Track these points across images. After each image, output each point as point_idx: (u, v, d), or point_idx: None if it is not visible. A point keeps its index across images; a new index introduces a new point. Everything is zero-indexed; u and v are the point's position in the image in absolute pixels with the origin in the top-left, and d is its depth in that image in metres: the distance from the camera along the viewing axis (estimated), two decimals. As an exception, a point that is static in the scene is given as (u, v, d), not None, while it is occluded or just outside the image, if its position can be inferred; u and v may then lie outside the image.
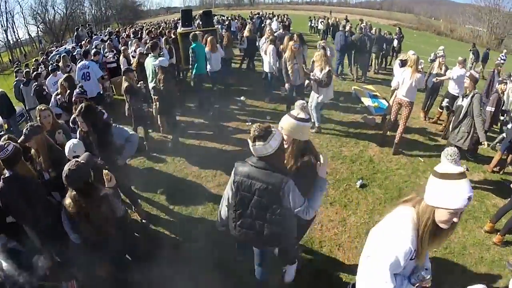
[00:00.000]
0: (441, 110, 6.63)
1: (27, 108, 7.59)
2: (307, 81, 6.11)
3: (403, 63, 5.87)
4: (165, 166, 5.32)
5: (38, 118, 3.60)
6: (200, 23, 9.81)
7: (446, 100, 5.45)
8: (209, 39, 7.10)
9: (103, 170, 2.60)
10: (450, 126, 4.68)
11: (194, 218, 4.08)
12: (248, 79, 9.63)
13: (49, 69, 7.09)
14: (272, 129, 2.08)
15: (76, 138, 3.37)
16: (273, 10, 32.21)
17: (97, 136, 3.30)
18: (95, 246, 2.43)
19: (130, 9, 44.49)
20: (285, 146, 2.33)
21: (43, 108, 3.63)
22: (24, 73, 7.73)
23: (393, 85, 5.87)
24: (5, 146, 2.55)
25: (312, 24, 25.12)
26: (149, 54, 6.20)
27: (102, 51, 9.31)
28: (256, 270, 2.67)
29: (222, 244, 3.39)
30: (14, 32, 34.31)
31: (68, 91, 4.98)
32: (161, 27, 15.27)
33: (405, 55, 6.40)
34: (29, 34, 36.20)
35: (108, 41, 10.28)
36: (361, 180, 4.68)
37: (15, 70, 9.48)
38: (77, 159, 2.48)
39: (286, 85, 6.21)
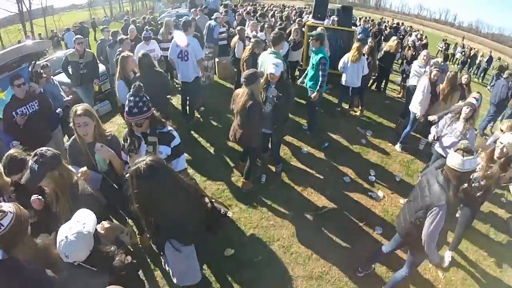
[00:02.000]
0: None
1: (110, 73, 6.74)
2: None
3: None
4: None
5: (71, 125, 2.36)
6: (336, 19, 7.74)
7: None
8: (356, 46, 5.34)
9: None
10: None
11: None
12: (376, 105, 7.06)
13: (143, 34, 5.90)
14: None
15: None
16: (401, 21, 27.92)
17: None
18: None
19: (252, -13, 43.88)
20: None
21: (79, 112, 2.27)
22: (110, 33, 6.82)
23: None
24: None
25: (442, 48, 20.54)
26: (269, 48, 4.45)
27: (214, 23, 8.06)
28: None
29: None
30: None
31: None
32: (287, 12, 13.32)
33: None
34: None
35: (224, 14, 8.91)
36: None
37: (102, 28, 8.77)
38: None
39: (430, 137, 3.90)
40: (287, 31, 7.04)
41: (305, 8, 20.36)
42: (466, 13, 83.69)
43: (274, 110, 3.65)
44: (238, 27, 6.93)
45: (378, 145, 5.44)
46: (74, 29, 13.65)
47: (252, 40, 5.15)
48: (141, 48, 5.59)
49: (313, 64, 4.88)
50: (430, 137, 3.85)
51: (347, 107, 6.40)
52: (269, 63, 3.61)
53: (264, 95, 3.67)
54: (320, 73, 4.70)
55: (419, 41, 12.93)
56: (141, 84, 2.24)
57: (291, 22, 8.52)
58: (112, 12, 35.14)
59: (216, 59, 7.96)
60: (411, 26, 22.25)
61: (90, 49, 6.37)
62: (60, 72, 7.69)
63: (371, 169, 4.75)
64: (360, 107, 6.36)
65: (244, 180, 4.12)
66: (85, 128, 2.38)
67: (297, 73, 7.76)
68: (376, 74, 7.46)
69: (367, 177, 4.59)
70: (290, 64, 6.82)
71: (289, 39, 6.61)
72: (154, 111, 2.34)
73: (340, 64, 5.68)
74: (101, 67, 6.86)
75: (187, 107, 5.67)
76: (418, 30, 20.84)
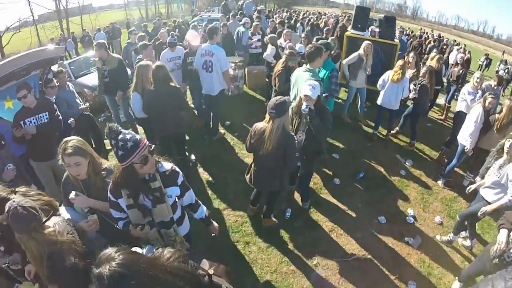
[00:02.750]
0: None
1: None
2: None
3: None
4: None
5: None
6: (377, 30, 7.03)
7: None
8: (400, 64, 4.66)
9: None
10: None
11: None
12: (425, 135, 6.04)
13: (168, 40, 5.44)
14: None
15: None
16: (439, 32, 26.35)
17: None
18: None
19: (290, -8, 43.78)
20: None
21: (69, 151, 1.88)
22: (137, 37, 6.43)
23: None
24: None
25: (483, 63, 18.89)
26: (304, 65, 3.85)
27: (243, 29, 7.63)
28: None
29: None
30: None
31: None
32: (323, 19, 12.49)
33: None
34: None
35: (256, 21, 8.47)
36: None
37: (129, 30, 8.52)
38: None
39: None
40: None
41: (341, 15, 19.52)
42: (505, 25, 78.70)
43: (307, 138, 3.10)
44: (270, 35, 6.46)
45: (418, 178, 4.73)
46: (106, 30, 13.79)
47: (286, 52, 4.64)
48: (166, 55, 5.25)
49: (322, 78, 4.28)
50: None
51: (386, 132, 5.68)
52: (304, 83, 3.06)
53: (296, 121, 3.12)
54: (332, 87, 4.16)
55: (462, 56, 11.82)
56: (114, 126, 1.73)
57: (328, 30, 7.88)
58: (148, 13, 35.88)
59: (246, 69, 7.53)
60: (454, 40, 20.69)
61: (122, 50, 6.07)
62: (86, 74, 7.63)
63: (409, 208, 4.09)
64: (403, 134, 5.65)
65: (264, 219, 3.61)
66: (76, 168, 1.96)
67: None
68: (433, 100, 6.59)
69: (404, 217, 3.94)
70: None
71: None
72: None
73: (380, 82, 5.03)
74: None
75: (211, 122, 5.23)
76: (459, 44, 19.38)
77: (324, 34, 7.42)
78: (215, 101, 4.86)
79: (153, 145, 1.81)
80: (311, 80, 3.12)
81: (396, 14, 47.52)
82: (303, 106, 2.89)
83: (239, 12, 10.34)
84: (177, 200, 2.06)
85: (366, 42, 5.49)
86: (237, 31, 7.79)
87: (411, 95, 5.00)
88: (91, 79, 7.10)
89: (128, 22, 21.20)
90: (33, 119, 3.26)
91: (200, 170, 4.60)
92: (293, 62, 4.47)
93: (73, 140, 1.98)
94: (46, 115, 3.32)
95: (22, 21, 22.02)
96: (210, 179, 4.40)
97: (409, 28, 19.52)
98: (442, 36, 18.78)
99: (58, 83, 4.21)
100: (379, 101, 5.11)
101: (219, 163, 4.70)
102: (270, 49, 5.73)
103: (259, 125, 2.89)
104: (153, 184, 1.86)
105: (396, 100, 4.94)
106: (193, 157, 4.82)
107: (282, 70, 4.44)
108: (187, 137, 5.10)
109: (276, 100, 2.65)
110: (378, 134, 5.56)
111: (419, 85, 4.87)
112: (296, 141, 2.96)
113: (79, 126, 4.41)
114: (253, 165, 3.16)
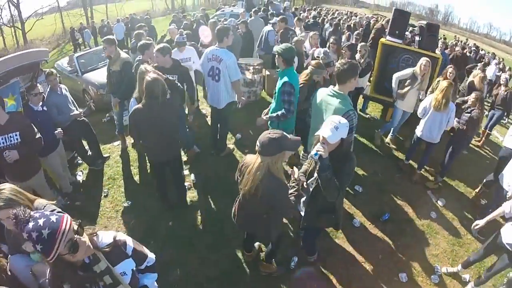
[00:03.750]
0: None
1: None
2: None
3: None
4: None
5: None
6: (419, 39, 6.14)
7: None
8: (444, 86, 3.86)
9: None
10: None
11: None
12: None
13: (176, 39, 4.81)
14: None
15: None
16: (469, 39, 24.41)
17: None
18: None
19: (319, -10, 42.36)
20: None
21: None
22: (134, 34, 5.66)
23: None
24: None
25: None
26: (331, 86, 2.97)
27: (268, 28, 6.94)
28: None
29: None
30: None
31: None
32: (354, 22, 11.24)
33: None
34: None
35: (280, 18, 7.67)
36: None
37: (138, 25, 8.06)
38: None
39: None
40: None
41: (372, 17, 18.17)
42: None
43: (316, 190, 2.36)
44: (295, 39, 5.74)
45: (450, 222, 3.96)
46: (125, 21, 13.38)
47: (313, 62, 3.89)
48: (174, 56, 4.67)
49: (275, 92, 3.49)
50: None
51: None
52: (328, 117, 2.29)
53: (311, 165, 2.44)
54: (284, 105, 3.25)
55: (500, 72, 10.37)
56: (20, 212, 1.21)
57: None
58: (174, 4, 35.35)
59: (267, 72, 6.78)
60: (493, 53, 18.92)
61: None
62: (94, 69, 7.16)
63: (437, 263, 3.37)
64: (436, 173, 4.73)
65: (264, 263, 2.99)
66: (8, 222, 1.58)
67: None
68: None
69: (430, 275, 3.23)
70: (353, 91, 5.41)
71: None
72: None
73: (420, 110, 4.15)
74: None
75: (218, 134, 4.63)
76: (497, 56, 17.63)
77: (354, 39, 6.64)
78: (222, 115, 4.25)
79: (80, 221, 1.33)
80: (338, 116, 2.28)
81: (427, 18, 45.13)
82: (313, 151, 2.14)
83: (262, 9, 9.57)
84: (135, 272, 1.58)
85: (425, 59, 4.48)
86: (264, 30, 7.10)
87: (454, 124, 4.17)
88: (99, 75, 6.62)
89: (148, 14, 20.50)
90: (1, 139, 2.76)
91: (200, 194, 4.02)
92: (319, 76, 3.77)
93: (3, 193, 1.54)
94: (16, 135, 2.82)
95: (49, 8, 22.20)
96: (208, 207, 3.83)
97: (444, 35, 18.00)
98: (478, 47, 17.13)
99: (49, 86, 3.82)
100: (418, 132, 4.25)
101: (222, 186, 4.08)
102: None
103: (248, 158, 2.22)
104: (98, 267, 1.37)
105: (438, 133, 4.08)
106: (192, 177, 4.25)
107: (304, 84, 3.72)
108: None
109: (269, 134, 1.98)
110: (410, 163, 4.77)
111: (468, 116, 4.02)
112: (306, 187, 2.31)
113: (72, 132, 4.05)
114: (236, 202, 2.51)
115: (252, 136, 5.15)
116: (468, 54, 11.33)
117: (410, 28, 9.61)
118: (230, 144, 4.95)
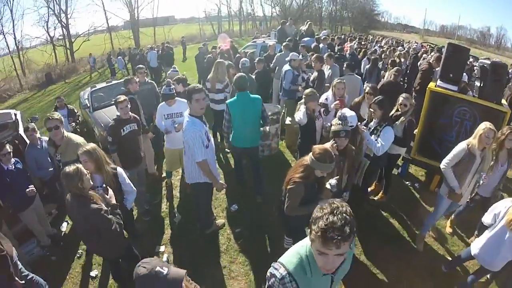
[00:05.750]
0: None
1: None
2: None
3: None
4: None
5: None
6: (479, 84, 4.59)
7: None
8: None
9: None
10: None
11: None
12: None
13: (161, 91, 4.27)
14: None
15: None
16: None
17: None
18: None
19: (366, 16, 40.71)
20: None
21: None
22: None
23: None
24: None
25: None
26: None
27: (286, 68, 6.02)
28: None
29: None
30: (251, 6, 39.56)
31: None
32: (399, 53, 8.93)
33: None
34: (263, 13, 40.22)
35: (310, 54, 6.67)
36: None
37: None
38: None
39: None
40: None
41: (422, 46, 15.94)
42: None
43: None
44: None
45: None
46: (157, 49, 13.16)
47: (316, 150, 2.49)
48: (162, 111, 4.00)
49: None
50: None
51: None
52: None
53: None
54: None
55: None
56: None
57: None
58: (221, 29, 36.02)
59: (288, 119, 5.87)
60: None
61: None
62: (106, 106, 6.60)
63: None
64: None
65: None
66: None
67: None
68: None
69: None
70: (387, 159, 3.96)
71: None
72: None
73: (489, 217, 2.68)
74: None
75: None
76: None
77: (392, 76, 5.51)
78: (194, 193, 3.42)
79: None
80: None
81: (478, 43, 40.60)
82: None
83: (293, 41, 8.53)
84: None
85: (487, 127, 2.96)
86: (283, 71, 6.19)
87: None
88: (109, 113, 6.09)
89: (183, 41, 20.65)
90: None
91: None
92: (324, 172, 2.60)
93: None
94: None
95: (96, 28, 23.93)
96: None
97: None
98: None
99: (28, 140, 3.86)
100: (473, 251, 2.83)
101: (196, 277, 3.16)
102: (303, 110, 3.93)
103: None
104: None
105: (502, 262, 2.63)
106: (165, 257, 3.44)
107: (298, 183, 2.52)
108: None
109: None
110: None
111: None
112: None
113: (54, 186, 4.04)
114: None
115: (255, 207, 4.16)
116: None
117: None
118: (222, 216, 4.06)
